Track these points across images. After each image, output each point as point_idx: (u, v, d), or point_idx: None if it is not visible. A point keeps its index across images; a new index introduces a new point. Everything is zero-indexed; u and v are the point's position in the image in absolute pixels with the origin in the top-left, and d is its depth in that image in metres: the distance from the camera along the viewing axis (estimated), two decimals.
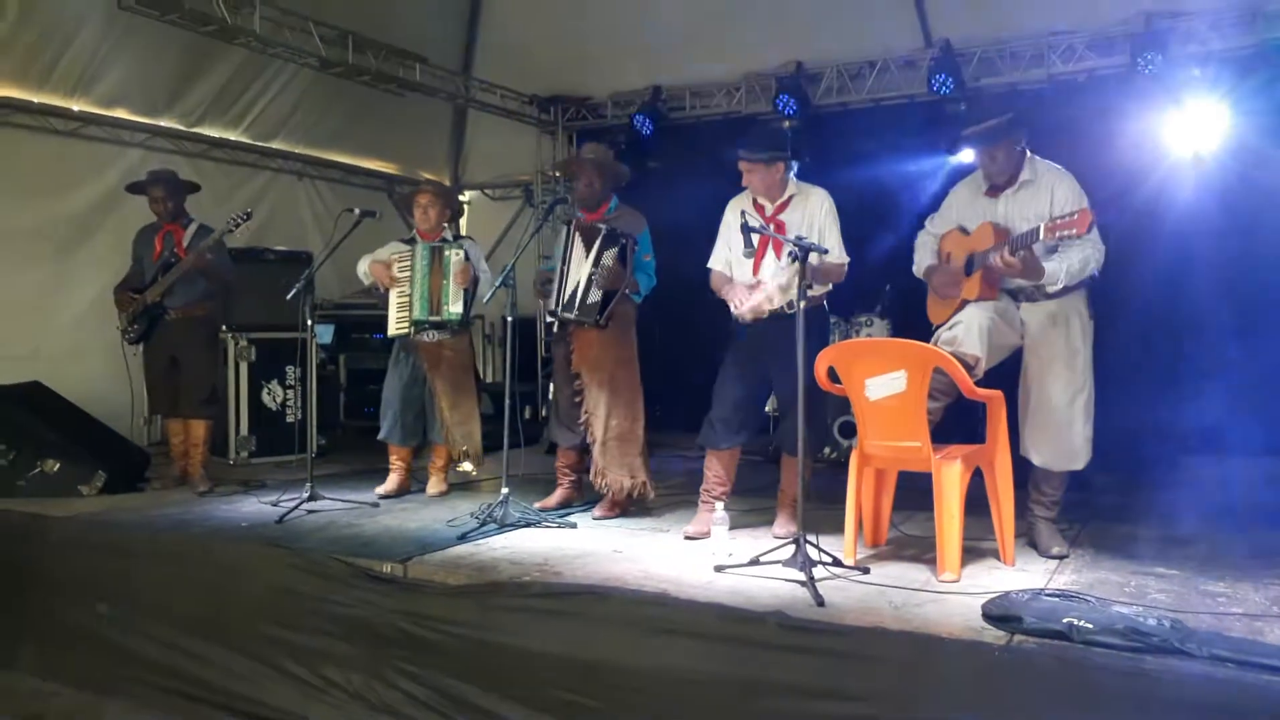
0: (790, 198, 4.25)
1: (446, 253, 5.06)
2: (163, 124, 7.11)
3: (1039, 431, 3.86)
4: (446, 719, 3.34)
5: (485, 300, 4.96)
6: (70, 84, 6.51)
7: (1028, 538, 3.96)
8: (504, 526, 4.37)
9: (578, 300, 4.50)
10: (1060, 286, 3.69)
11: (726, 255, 4.35)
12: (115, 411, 5.91)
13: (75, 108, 6.58)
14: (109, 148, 6.80)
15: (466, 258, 5.05)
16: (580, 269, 4.53)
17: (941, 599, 3.26)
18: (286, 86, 7.78)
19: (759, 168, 4.19)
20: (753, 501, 4.91)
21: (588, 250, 4.52)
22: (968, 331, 3.67)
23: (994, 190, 3.93)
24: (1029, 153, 3.90)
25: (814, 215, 4.20)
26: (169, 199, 5.42)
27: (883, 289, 6.61)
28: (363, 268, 5.23)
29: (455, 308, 5.03)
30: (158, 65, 6.94)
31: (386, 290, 5.13)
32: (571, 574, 3.64)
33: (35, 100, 6.36)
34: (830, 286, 4.29)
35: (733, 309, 4.22)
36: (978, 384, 3.66)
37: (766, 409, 5.21)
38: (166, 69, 7.01)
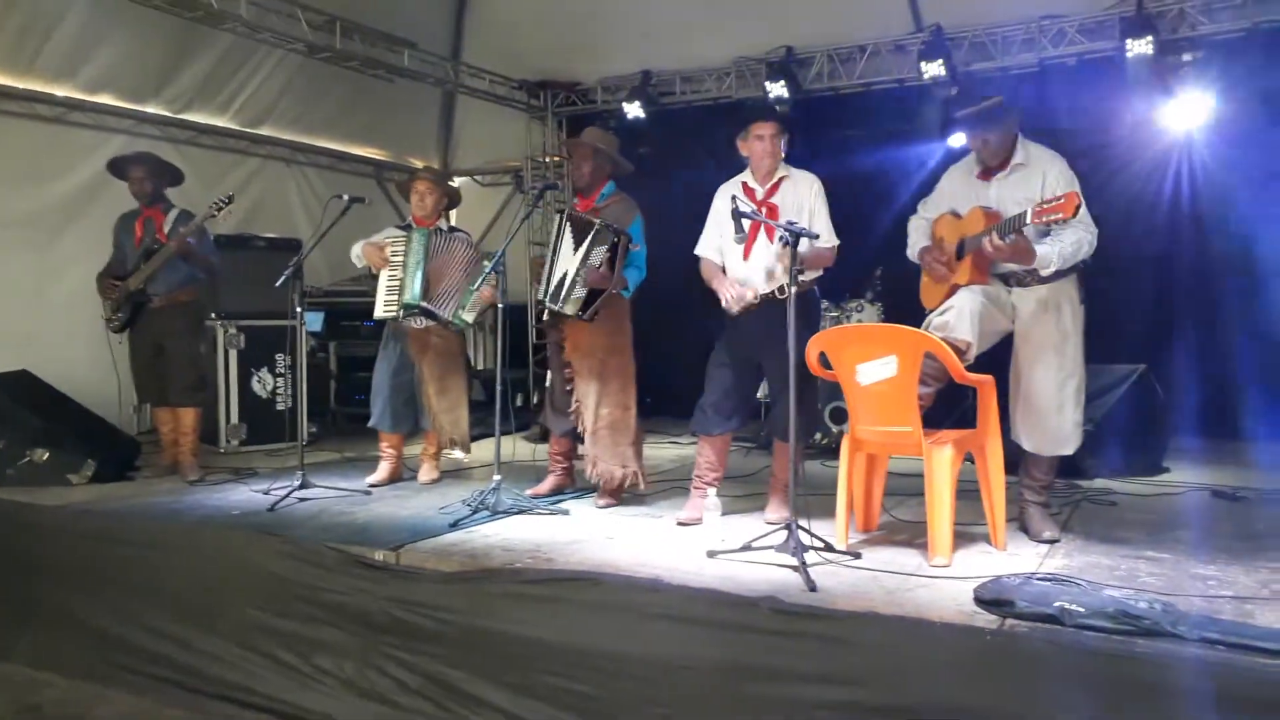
0: (780, 180, 4.24)
1: (487, 264, 4.81)
2: (149, 110, 7.06)
3: (1029, 416, 3.87)
4: (438, 706, 3.34)
5: (475, 288, 4.93)
6: (55, 69, 6.46)
7: (1019, 522, 3.98)
8: (496, 514, 4.36)
9: (563, 294, 4.44)
10: (1053, 270, 3.69)
11: (717, 241, 4.32)
12: (103, 399, 5.88)
13: (60, 94, 6.53)
14: (95, 134, 6.75)
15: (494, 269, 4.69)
16: (568, 261, 4.45)
17: (933, 584, 3.27)
18: (274, 72, 7.74)
19: (772, 130, 4.16)
20: (745, 487, 4.93)
21: (577, 244, 4.43)
22: (959, 317, 3.67)
23: (986, 174, 3.92)
24: (1021, 136, 3.89)
25: (804, 199, 4.19)
26: (148, 180, 5.36)
27: (874, 274, 6.61)
28: (356, 250, 5.20)
29: (469, 316, 5.00)
30: (144, 51, 6.88)
31: (377, 274, 5.10)
32: (564, 560, 3.64)
33: (20, 86, 6.30)
34: (821, 271, 4.28)
35: (723, 302, 4.20)
36: (968, 368, 3.66)
37: (758, 395, 5.20)
38: (153, 54, 6.95)
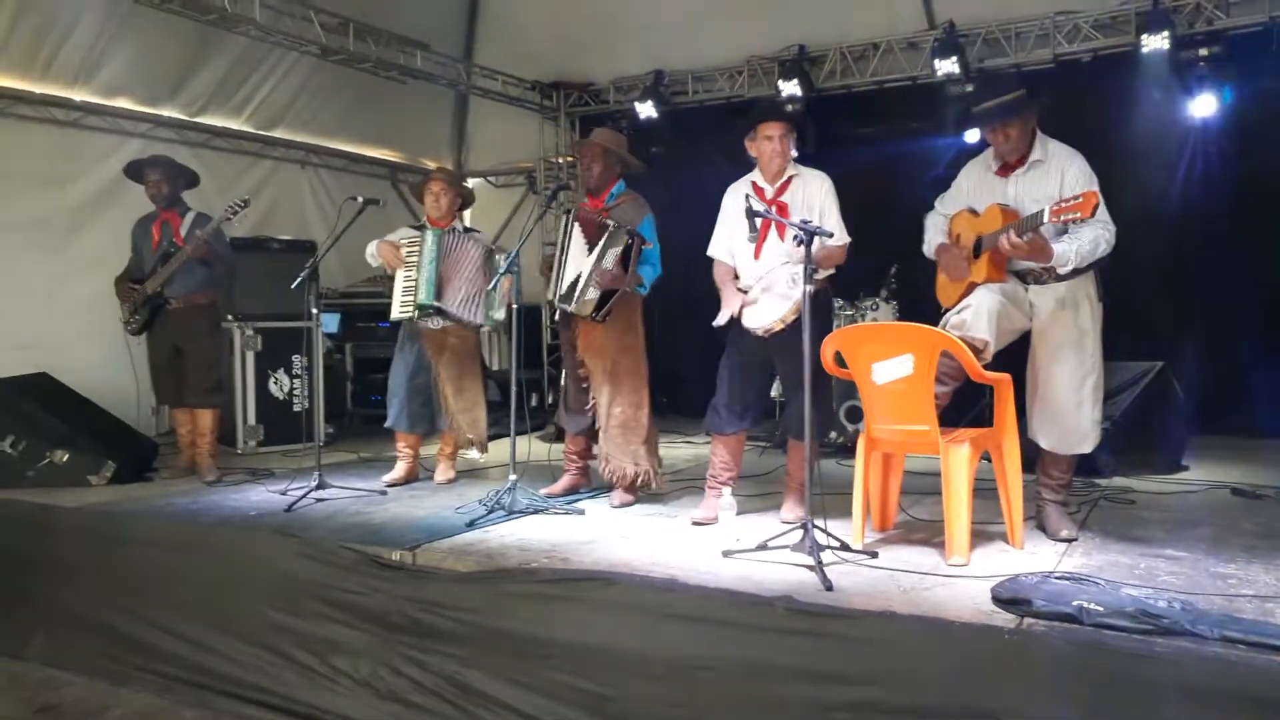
0: (790, 179, 4.23)
1: (499, 258, 4.93)
2: (164, 113, 7.10)
3: (1047, 415, 3.84)
4: (454, 706, 3.35)
5: (490, 289, 4.95)
6: (71, 74, 6.50)
7: (1036, 521, 3.96)
8: (512, 513, 4.37)
9: (575, 295, 4.45)
10: (1070, 268, 3.66)
11: (728, 242, 4.31)
12: (120, 401, 5.92)
13: (77, 98, 6.57)
14: (111, 138, 6.79)
15: (507, 270, 4.71)
16: (580, 262, 4.46)
17: (950, 583, 3.25)
18: (288, 75, 7.78)
19: (781, 130, 4.15)
20: (760, 486, 4.92)
21: (590, 245, 4.44)
22: (976, 316, 3.65)
23: (1004, 170, 3.89)
24: (1039, 132, 3.86)
25: (814, 197, 4.18)
26: (165, 183, 5.40)
27: (888, 272, 6.59)
28: (371, 249, 5.22)
29: (499, 314, 5.04)
30: (159, 54, 6.93)
31: (393, 274, 5.13)
32: (579, 560, 3.64)
33: (37, 91, 6.35)
34: (833, 270, 4.27)
35: (736, 317, 4.15)
36: (985, 366, 3.64)
37: (772, 394, 5.20)
38: (167, 58, 6.99)
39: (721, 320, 4.19)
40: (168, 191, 5.42)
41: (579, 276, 4.45)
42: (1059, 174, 3.75)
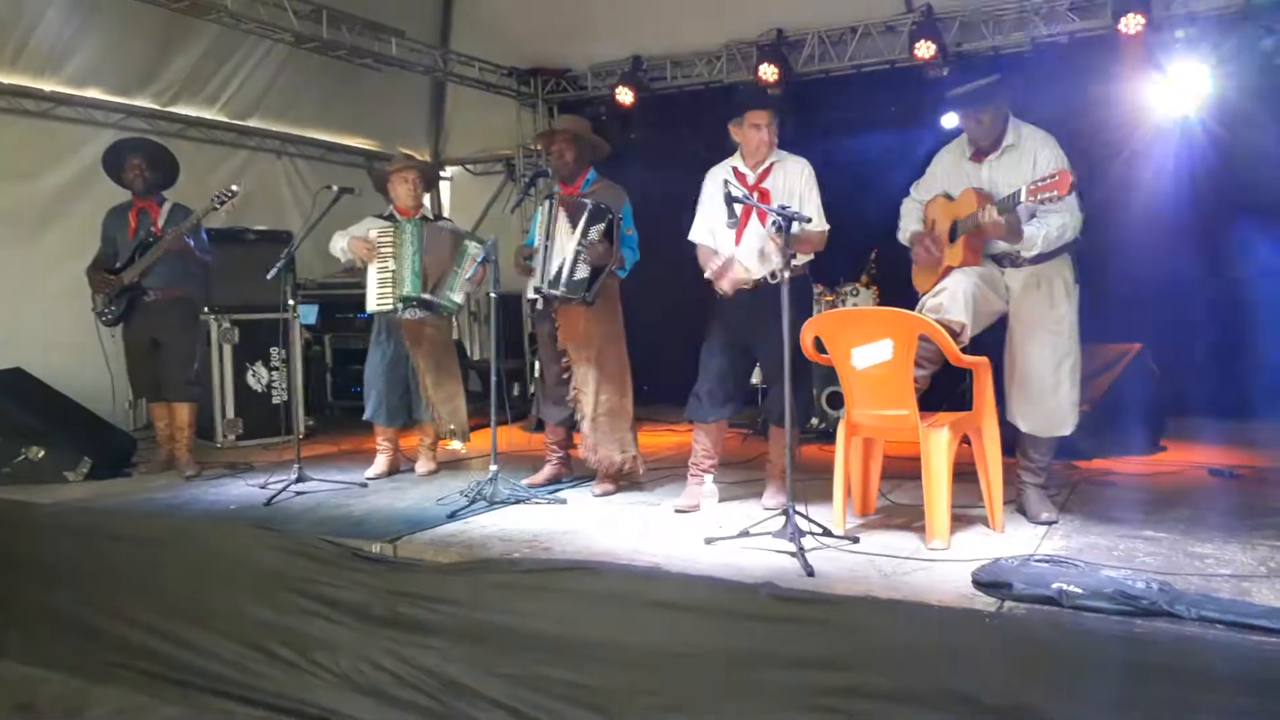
0: (771, 165, 4.22)
1: (467, 243, 5.01)
2: (136, 103, 7.00)
3: (1025, 397, 3.87)
4: (436, 699, 3.33)
5: (459, 268, 4.93)
6: (40, 63, 6.40)
7: (1016, 504, 3.98)
8: (493, 504, 4.36)
9: (564, 277, 4.44)
10: (1036, 252, 3.68)
11: (709, 226, 4.31)
12: (97, 396, 5.85)
13: (46, 88, 6.47)
14: (82, 128, 6.69)
15: (484, 259, 4.81)
16: (566, 245, 4.47)
17: (931, 567, 3.27)
18: (261, 63, 7.67)
19: (768, 118, 4.14)
20: (741, 474, 4.93)
21: (573, 225, 4.46)
22: (953, 298, 3.66)
23: (978, 155, 3.91)
24: (1012, 117, 3.87)
25: (795, 183, 4.18)
26: (148, 169, 5.32)
27: (868, 257, 6.59)
28: (339, 244, 5.14)
29: (457, 298, 5.03)
30: (130, 43, 6.83)
31: (365, 266, 5.08)
32: (561, 550, 3.64)
33: (5, 81, 6.25)
34: (812, 256, 4.26)
35: (715, 284, 4.18)
36: (964, 350, 3.65)
37: (753, 380, 5.20)
38: (139, 47, 6.89)
39: (716, 264, 4.14)
40: (149, 179, 5.33)
41: (565, 260, 4.44)
42: (1032, 158, 3.77)
